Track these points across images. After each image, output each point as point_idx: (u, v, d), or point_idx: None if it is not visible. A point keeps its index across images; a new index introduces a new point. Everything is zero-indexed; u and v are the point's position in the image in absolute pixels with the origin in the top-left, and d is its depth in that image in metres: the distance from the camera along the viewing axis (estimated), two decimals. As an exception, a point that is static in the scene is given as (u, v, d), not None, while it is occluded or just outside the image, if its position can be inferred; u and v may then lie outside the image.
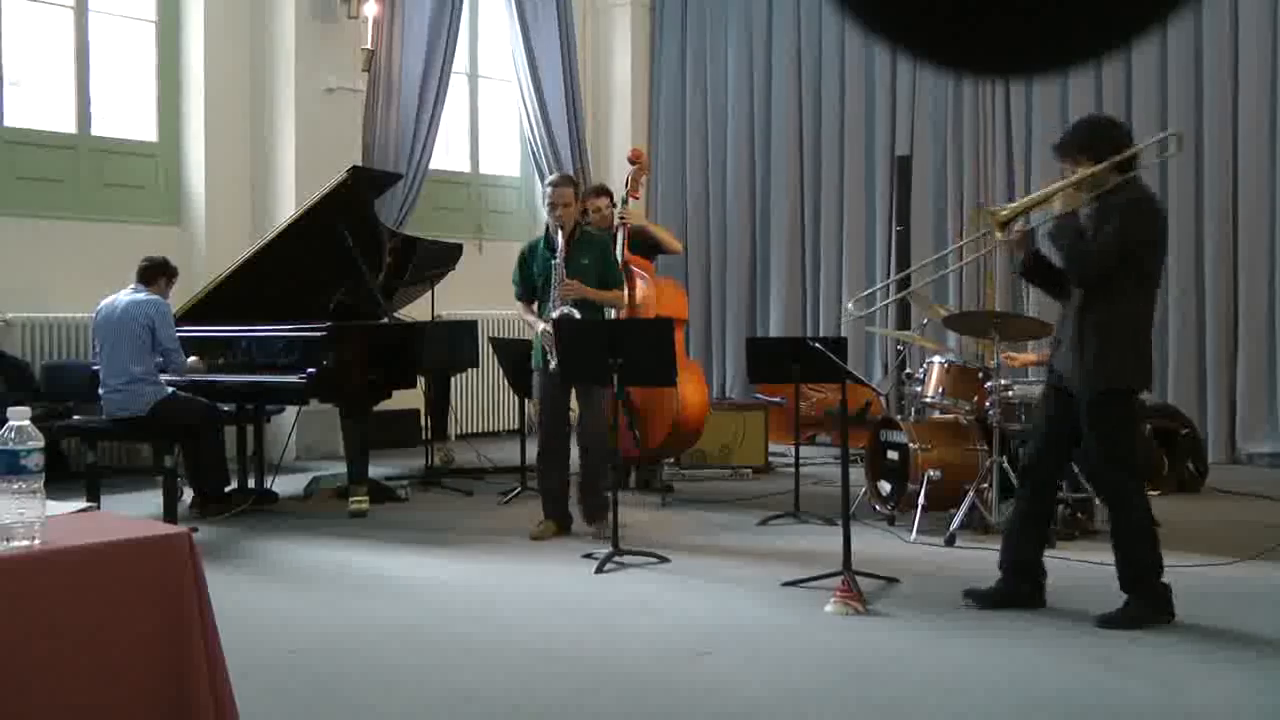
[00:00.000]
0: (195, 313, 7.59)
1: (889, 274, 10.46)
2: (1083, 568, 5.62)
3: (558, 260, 6.51)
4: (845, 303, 6.09)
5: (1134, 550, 4.82)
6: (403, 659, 4.39)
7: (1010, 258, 5.09)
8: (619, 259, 7.27)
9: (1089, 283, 4.75)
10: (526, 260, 6.79)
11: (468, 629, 4.81)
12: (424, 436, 8.73)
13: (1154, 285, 4.93)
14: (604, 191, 7.94)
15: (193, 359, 7.10)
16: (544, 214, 11.63)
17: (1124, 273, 4.73)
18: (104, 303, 6.88)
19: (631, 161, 8.19)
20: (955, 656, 4.38)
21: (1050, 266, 5.03)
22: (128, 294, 6.84)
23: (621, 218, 7.76)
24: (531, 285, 6.74)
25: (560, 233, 6.53)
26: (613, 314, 6.83)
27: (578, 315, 6.40)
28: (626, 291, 7.12)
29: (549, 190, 6.66)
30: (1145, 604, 4.76)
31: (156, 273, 6.93)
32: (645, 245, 8.04)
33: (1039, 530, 5.09)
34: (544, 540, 6.47)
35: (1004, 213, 4.86)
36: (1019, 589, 4.99)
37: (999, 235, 4.84)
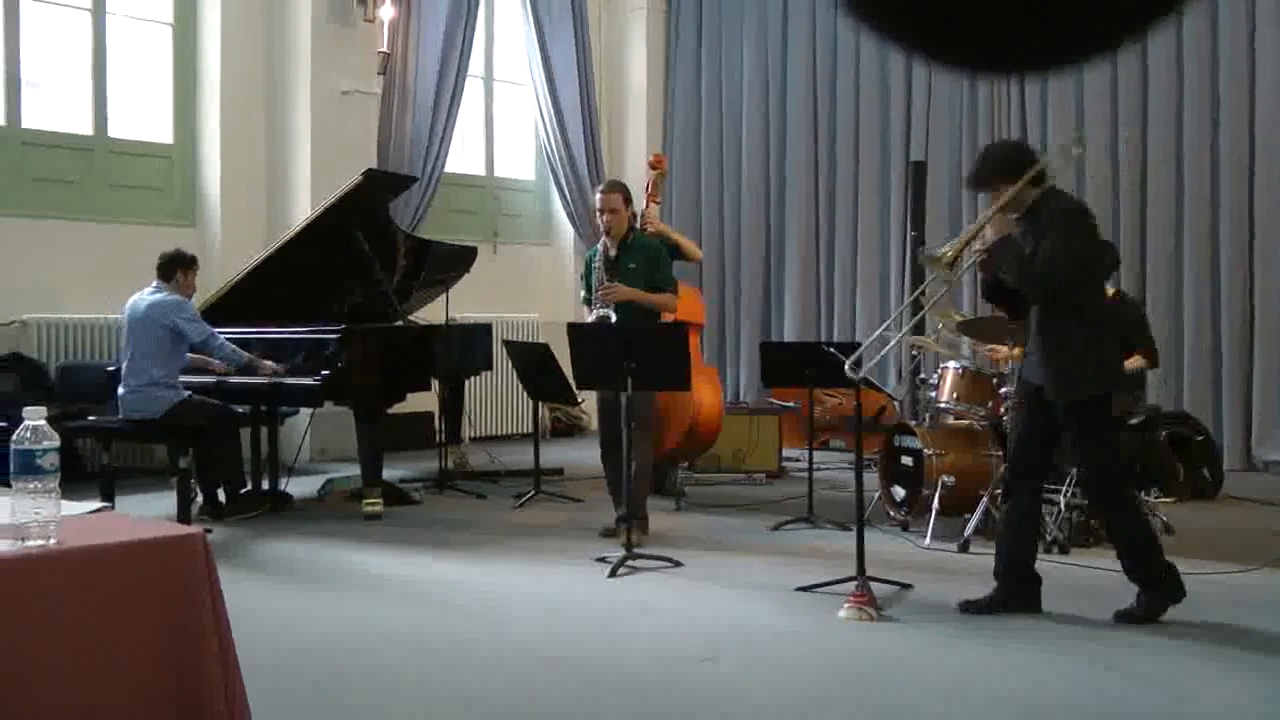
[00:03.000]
0: (209, 314, 7.59)
1: (904, 280, 10.44)
2: (1091, 573, 5.61)
3: (597, 265, 6.59)
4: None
5: (1137, 546, 4.93)
6: (414, 661, 4.39)
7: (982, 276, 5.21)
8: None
9: (1048, 296, 4.86)
10: (589, 266, 6.82)
11: (479, 632, 4.81)
12: (438, 439, 8.74)
13: (1102, 285, 5.09)
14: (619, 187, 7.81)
15: (268, 362, 7.12)
16: (558, 217, 11.83)
17: (1081, 284, 4.89)
18: (130, 301, 6.92)
19: (652, 167, 8.18)
20: (966, 662, 4.36)
21: (1002, 288, 5.15)
22: (149, 293, 6.86)
23: (643, 223, 7.73)
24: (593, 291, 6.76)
25: (607, 237, 6.59)
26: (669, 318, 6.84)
27: (613, 319, 6.42)
28: (677, 297, 6.95)
29: (596, 196, 6.73)
30: (1159, 594, 4.88)
31: (173, 267, 6.92)
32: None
33: (1031, 530, 5.18)
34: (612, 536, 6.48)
35: (948, 254, 4.94)
36: (1015, 591, 5.02)
37: (948, 275, 4.95)
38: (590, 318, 6.64)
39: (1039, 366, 4.95)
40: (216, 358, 6.98)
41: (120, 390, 6.83)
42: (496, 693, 4.06)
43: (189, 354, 6.97)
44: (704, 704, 3.97)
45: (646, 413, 6.48)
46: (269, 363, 7.14)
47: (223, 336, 6.97)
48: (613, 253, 6.62)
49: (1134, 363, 6.53)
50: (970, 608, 5.01)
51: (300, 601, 5.32)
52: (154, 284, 6.89)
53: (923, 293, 5.79)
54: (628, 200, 6.66)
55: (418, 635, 4.76)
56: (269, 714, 3.75)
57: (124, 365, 6.87)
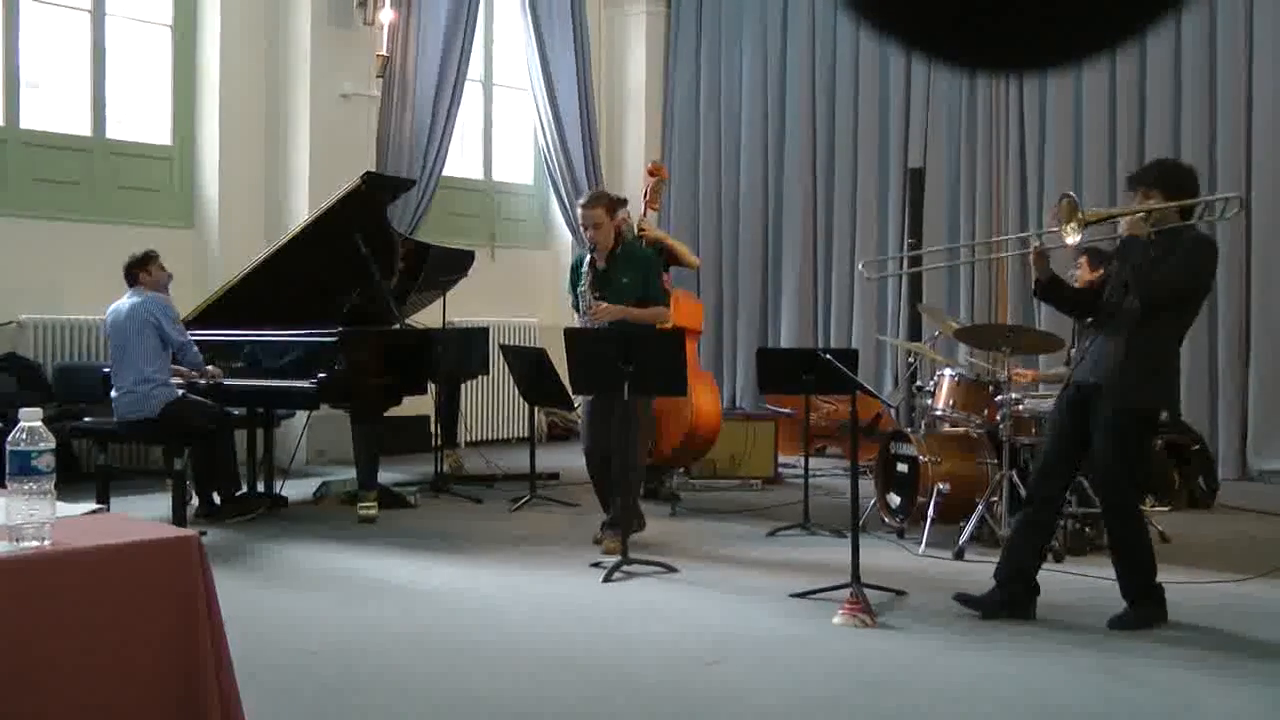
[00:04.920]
0: (208, 316, 7.60)
1: (901, 286, 10.45)
2: (1090, 582, 5.61)
3: (584, 287, 6.44)
4: (859, 265, 6.37)
5: (1137, 561, 4.98)
6: (409, 664, 4.39)
7: (1036, 275, 5.21)
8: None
9: (1153, 302, 4.90)
10: (576, 273, 6.63)
11: (475, 635, 4.81)
12: (434, 443, 8.74)
13: (1192, 320, 5.15)
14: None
15: (210, 367, 7.11)
16: (556, 221, 11.84)
17: (1179, 310, 4.98)
18: (111, 308, 6.90)
19: (651, 174, 8.18)
20: (963, 668, 4.37)
21: (1064, 288, 5.32)
22: (128, 298, 6.84)
23: (640, 230, 7.73)
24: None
25: (594, 253, 6.46)
26: None
27: None
28: (671, 308, 6.85)
29: (578, 212, 6.55)
30: (1150, 607, 4.95)
31: (134, 271, 6.88)
32: (662, 257, 8.02)
33: (1041, 541, 5.19)
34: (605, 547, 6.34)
35: (1091, 215, 4.99)
36: (1012, 596, 5.04)
37: (1070, 236, 4.91)
38: None
39: (1103, 364, 4.96)
40: (185, 359, 6.94)
41: (113, 394, 6.82)
42: (505, 694, 4.07)
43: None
44: (712, 705, 3.98)
45: (641, 417, 6.44)
46: (211, 368, 7.10)
47: (195, 347, 6.95)
48: (601, 265, 6.46)
49: None
50: (966, 601, 5.05)
51: (305, 603, 5.32)
52: (128, 292, 6.88)
53: (1036, 236, 5.85)
54: (611, 211, 6.47)
55: (424, 637, 4.77)
56: (278, 715, 3.77)
57: (112, 371, 6.86)
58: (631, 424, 6.19)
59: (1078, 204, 4.91)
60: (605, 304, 6.36)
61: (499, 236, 11.48)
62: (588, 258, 6.58)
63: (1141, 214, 4.92)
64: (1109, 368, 4.93)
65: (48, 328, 8.60)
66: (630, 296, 6.41)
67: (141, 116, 9.59)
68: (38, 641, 2.43)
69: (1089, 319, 5.25)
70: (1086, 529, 6.38)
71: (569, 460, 9.27)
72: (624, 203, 7.58)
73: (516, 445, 10.54)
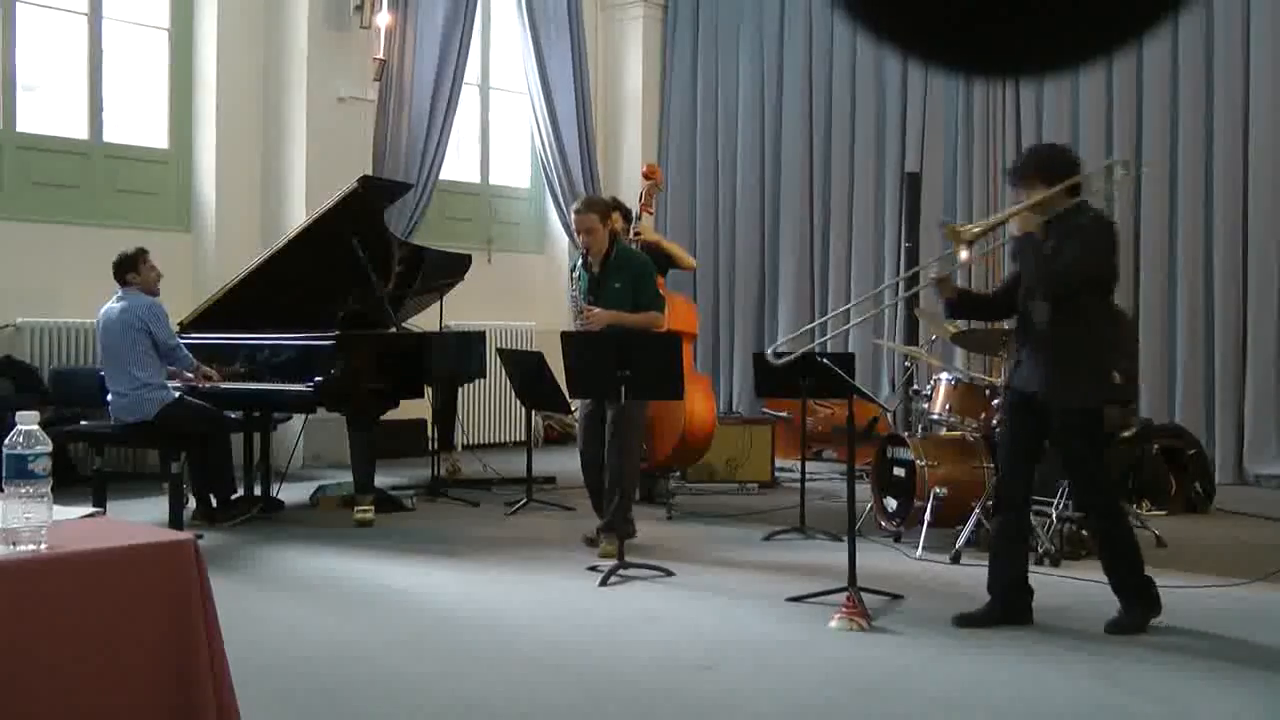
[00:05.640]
0: (205, 320, 7.60)
1: (898, 290, 10.46)
2: (1085, 586, 5.60)
3: (574, 292, 6.46)
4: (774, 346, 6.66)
5: (1124, 559, 4.98)
6: (406, 668, 4.39)
7: (943, 297, 5.26)
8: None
9: (1059, 296, 4.89)
10: (571, 276, 6.70)
11: (472, 639, 4.80)
12: (430, 447, 8.73)
13: (1111, 299, 5.12)
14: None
15: (205, 368, 7.11)
16: (553, 225, 11.84)
17: (1091, 292, 4.94)
18: (101, 311, 6.89)
19: (646, 176, 8.18)
20: (959, 673, 4.37)
21: (973, 298, 5.38)
22: (118, 301, 6.83)
23: (636, 233, 7.73)
24: None
25: (587, 257, 6.48)
26: None
27: None
28: (665, 314, 6.80)
29: (572, 217, 6.56)
30: (1143, 605, 4.94)
31: (123, 271, 6.86)
32: (657, 260, 8.02)
33: (1023, 545, 5.23)
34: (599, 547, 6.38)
35: (975, 231, 5.00)
36: (1011, 605, 5.04)
37: (962, 254, 4.99)
38: None
39: (1036, 372, 4.96)
40: (177, 363, 6.93)
41: (109, 397, 6.82)
42: (499, 699, 4.07)
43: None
44: (707, 710, 3.98)
45: (635, 420, 6.44)
46: (205, 369, 7.10)
47: (185, 349, 6.94)
48: (595, 270, 6.48)
49: None
50: (965, 622, 5.01)
51: (301, 607, 5.32)
52: (118, 293, 6.86)
53: (917, 271, 5.87)
54: (605, 216, 6.48)
55: (420, 640, 4.77)
56: (273, 719, 3.76)
57: (105, 374, 6.85)
58: (625, 428, 6.19)
59: (953, 225, 4.96)
60: (598, 309, 6.37)
61: (496, 240, 11.48)
62: (579, 262, 6.61)
63: (1026, 208, 4.91)
64: (1041, 376, 4.94)
65: (44, 331, 8.60)
66: (624, 303, 6.41)
67: (138, 120, 9.59)
68: (33, 645, 2.43)
69: (1013, 314, 5.22)
70: (1081, 532, 6.39)
71: (566, 464, 9.25)
72: (617, 206, 7.56)
73: (513, 449, 10.54)
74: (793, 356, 5.86)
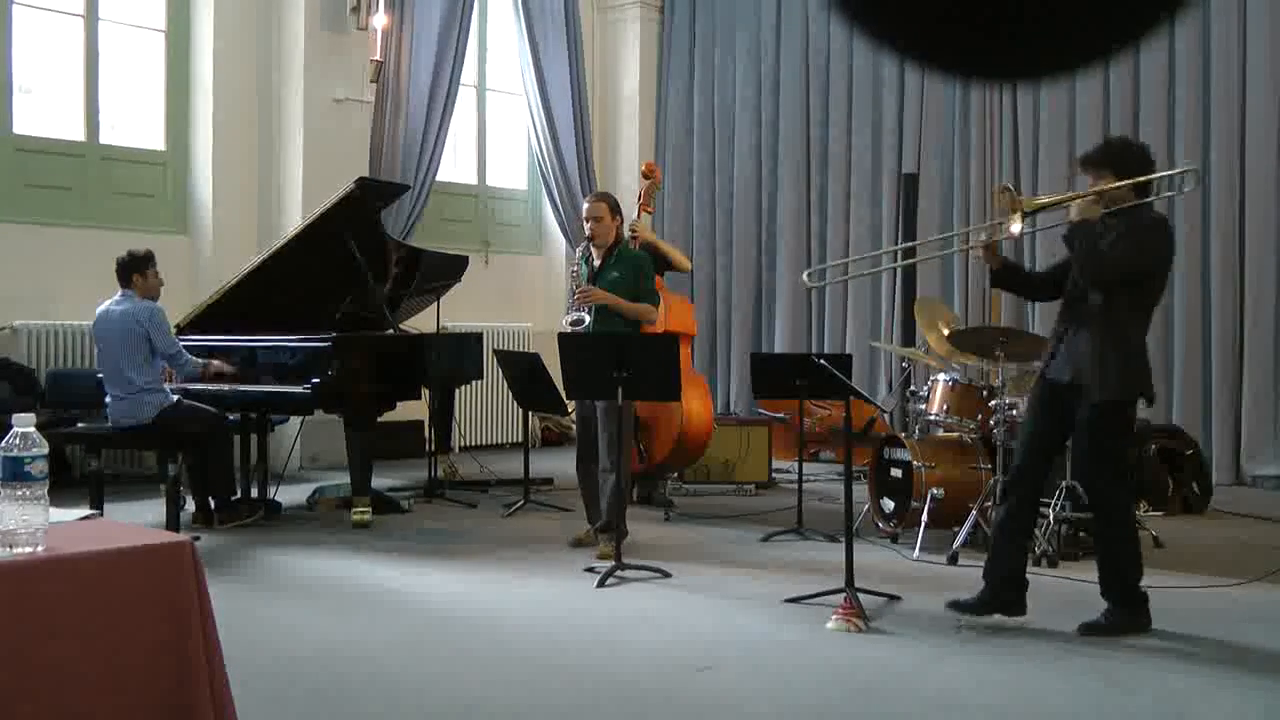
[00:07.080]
0: (201, 322, 7.59)
1: (894, 292, 10.47)
2: (1082, 586, 5.59)
3: (575, 269, 6.64)
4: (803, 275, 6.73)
5: (1121, 558, 4.96)
6: (404, 669, 4.39)
7: (990, 267, 5.23)
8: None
9: (1101, 284, 4.87)
10: (576, 257, 6.94)
11: (469, 641, 4.80)
12: (428, 448, 8.73)
13: (1155, 305, 5.10)
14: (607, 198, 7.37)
15: (216, 361, 7.11)
16: (550, 227, 11.84)
17: (1141, 289, 4.92)
18: (99, 310, 6.87)
19: (645, 175, 8.19)
20: (956, 674, 4.37)
21: (1018, 272, 5.30)
22: (118, 302, 6.81)
23: (632, 232, 7.73)
24: None
25: (590, 247, 6.66)
26: None
27: (587, 320, 6.44)
28: (660, 309, 6.91)
29: (584, 204, 6.81)
30: (1127, 612, 4.90)
31: (128, 272, 6.83)
32: (654, 261, 8.03)
33: (1024, 540, 5.21)
34: (586, 545, 6.53)
35: (1037, 203, 5.01)
36: (1004, 596, 5.03)
37: (1014, 226, 4.91)
38: (565, 319, 6.64)
39: (1071, 361, 4.93)
40: (179, 368, 6.92)
41: (107, 400, 6.81)
42: (497, 700, 4.07)
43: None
44: (704, 712, 3.98)
45: (627, 417, 6.45)
46: (215, 363, 7.11)
47: (188, 354, 6.94)
48: (597, 261, 6.65)
49: None
50: (957, 606, 5.02)
51: (298, 609, 5.31)
52: (119, 293, 6.85)
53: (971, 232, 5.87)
54: (615, 211, 6.65)
55: (417, 642, 4.76)
56: (267, 720, 3.77)
57: (103, 376, 6.84)
58: (617, 425, 6.22)
59: (1015, 194, 4.93)
60: (596, 288, 6.51)
61: (493, 242, 11.48)
62: (583, 250, 6.77)
63: (1092, 197, 4.88)
64: (1085, 365, 4.89)
65: (41, 333, 8.59)
66: (622, 294, 6.55)
67: (135, 122, 9.58)
68: (30, 648, 2.43)
69: (1058, 300, 5.20)
70: (1079, 533, 6.39)
71: (563, 465, 9.25)
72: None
73: (510, 450, 10.54)
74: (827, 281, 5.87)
